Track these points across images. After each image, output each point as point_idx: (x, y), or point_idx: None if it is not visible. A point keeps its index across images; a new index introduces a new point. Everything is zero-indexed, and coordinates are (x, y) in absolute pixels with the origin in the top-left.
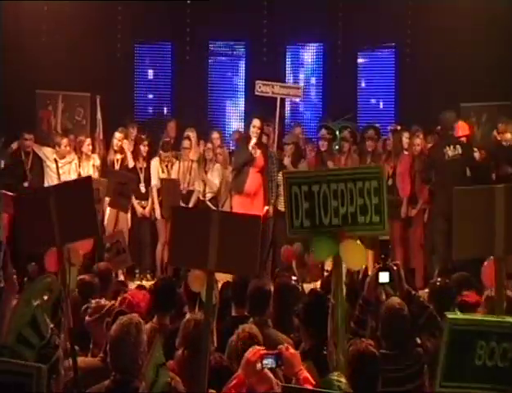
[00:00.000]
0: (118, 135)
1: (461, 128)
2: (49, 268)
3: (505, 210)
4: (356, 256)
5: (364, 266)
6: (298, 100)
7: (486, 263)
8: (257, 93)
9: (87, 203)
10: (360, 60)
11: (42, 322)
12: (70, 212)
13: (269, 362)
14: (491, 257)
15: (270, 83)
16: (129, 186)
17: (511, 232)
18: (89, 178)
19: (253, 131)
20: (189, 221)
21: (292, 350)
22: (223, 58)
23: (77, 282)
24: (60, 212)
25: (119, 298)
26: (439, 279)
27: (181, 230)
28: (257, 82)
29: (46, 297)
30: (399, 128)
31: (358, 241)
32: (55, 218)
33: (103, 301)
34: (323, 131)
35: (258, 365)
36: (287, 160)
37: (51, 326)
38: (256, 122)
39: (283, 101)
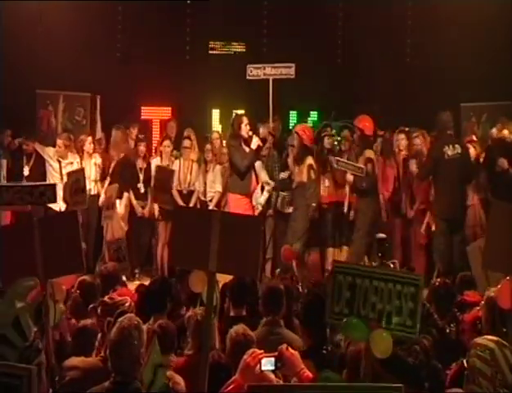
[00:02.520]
0: (115, 133)
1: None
2: (30, 301)
3: None
4: (383, 347)
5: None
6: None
7: (501, 283)
8: (248, 78)
9: (72, 237)
10: (360, 60)
11: (25, 324)
12: (55, 246)
13: (268, 364)
14: (508, 277)
15: (261, 65)
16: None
17: None
18: (75, 212)
19: (246, 130)
20: (189, 221)
21: (292, 350)
22: (223, 58)
23: (78, 282)
24: (45, 245)
25: (106, 296)
26: (439, 279)
27: (182, 230)
28: (248, 66)
29: (29, 300)
30: (406, 129)
31: (387, 333)
32: (39, 251)
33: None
34: (329, 130)
35: (257, 369)
36: (290, 161)
37: (35, 329)
38: (246, 120)
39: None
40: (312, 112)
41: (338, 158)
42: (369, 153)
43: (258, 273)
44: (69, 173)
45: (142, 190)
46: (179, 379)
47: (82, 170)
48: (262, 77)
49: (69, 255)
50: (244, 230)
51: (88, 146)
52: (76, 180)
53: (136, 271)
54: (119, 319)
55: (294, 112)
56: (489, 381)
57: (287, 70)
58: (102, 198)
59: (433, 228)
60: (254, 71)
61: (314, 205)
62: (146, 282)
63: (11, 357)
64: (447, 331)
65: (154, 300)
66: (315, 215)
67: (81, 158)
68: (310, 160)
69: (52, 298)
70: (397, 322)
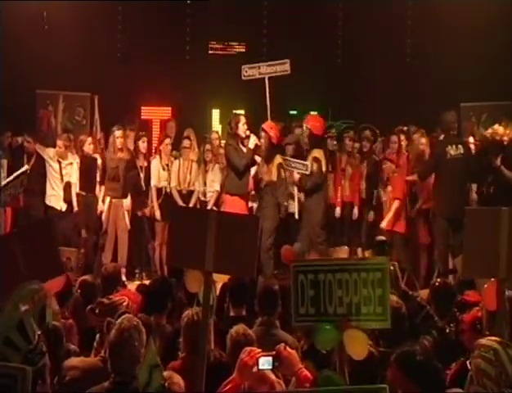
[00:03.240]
0: (118, 133)
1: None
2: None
3: (509, 231)
4: (359, 346)
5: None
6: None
7: (486, 284)
8: (244, 78)
9: (49, 243)
10: (360, 60)
11: (29, 327)
12: (34, 253)
13: (266, 363)
14: (492, 279)
15: (256, 64)
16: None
17: None
18: (49, 219)
19: (244, 129)
20: (186, 221)
21: (289, 350)
22: (223, 58)
23: (79, 282)
24: (25, 254)
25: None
26: (439, 280)
27: (179, 230)
28: (243, 67)
29: (32, 303)
30: (405, 128)
31: (361, 331)
32: (21, 261)
33: (117, 298)
34: (333, 132)
35: (255, 368)
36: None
37: (39, 333)
38: (243, 119)
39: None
40: (311, 112)
41: (285, 157)
42: (316, 152)
43: (255, 273)
44: (83, 157)
45: (144, 188)
46: (177, 379)
47: (95, 159)
48: (258, 76)
49: (48, 260)
50: (240, 229)
51: (88, 146)
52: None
53: (137, 271)
54: (118, 321)
55: (294, 112)
56: (493, 381)
57: (282, 67)
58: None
59: None
60: (250, 71)
61: (286, 204)
62: (147, 282)
63: (15, 360)
64: (447, 331)
65: (154, 300)
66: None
67: (80, 158)
68: (279, 159)
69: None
70: (366, 312)
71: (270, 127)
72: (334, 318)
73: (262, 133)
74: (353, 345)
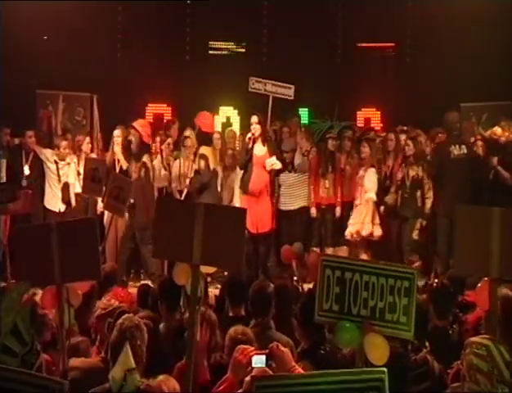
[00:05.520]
0: (117, 132)
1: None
2: (45, 306)
3: (501, 232)
4: (378, 351)
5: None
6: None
7: (480, 284)
8: (250, 90)
9: (90, 244)
10: (359, 60)
11: (23, 329)
12: (72, 251)
13: (259, 362)
14: (485, 278)
15: (263, 80)
16: (125, 190)
17: (506, 254)
18: (94, 218)
19: (252, 127)
20: (173, 213)
21: (282, 348)
22: (223, 58)
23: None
24: (62, 250)
25: (104, 300)
26: (436, 280)
27: (166, 222)
28: (250, 78)
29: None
30: (405, 128)
31: (382, 337)
32: (56, 255)
33: (113, 301)
34: (334, 133)
35: (248, 366)
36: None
37: (31, 331)
38: (254, 118)
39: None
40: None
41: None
42: (203, 149)
43: (243, 266)
44: (87, 159)
45: None
46: (173, 382)
47: (103, 161)
48: (263, 92)
49: (87, 262)
50: (228, 222)
51: (86, 146)
52: (94, 169)
53: (132, 271)
54: (119, 321)
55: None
56: (486, 376)
57: (287, 91)
58: None
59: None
60: (256, 84)
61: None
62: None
63: (12, 365)
64: (450, 332)
65: (169, 299)
66: None
67: (78, 158)
68: (146, 158)
69: (67, 302)
70: (390, 320)
71: (141, 125)
72: (357, 319)
73: (132, 131)
74: (373, 350)
